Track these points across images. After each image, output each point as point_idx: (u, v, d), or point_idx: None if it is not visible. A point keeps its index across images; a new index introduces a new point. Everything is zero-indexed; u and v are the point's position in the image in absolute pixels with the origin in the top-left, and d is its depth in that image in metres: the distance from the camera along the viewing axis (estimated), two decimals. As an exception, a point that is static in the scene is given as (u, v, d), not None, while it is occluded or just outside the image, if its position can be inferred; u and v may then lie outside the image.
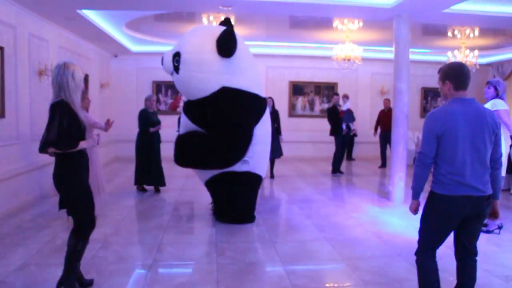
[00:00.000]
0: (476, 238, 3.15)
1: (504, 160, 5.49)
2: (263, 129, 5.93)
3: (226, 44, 5.41)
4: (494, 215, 3.20)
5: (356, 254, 4.87)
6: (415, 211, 3.20)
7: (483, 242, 5.25)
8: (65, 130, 3.36)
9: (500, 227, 5.61)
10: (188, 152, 5.75)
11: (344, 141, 10.73)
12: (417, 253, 3.23)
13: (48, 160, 7.99)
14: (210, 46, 5.47)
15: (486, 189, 2.98)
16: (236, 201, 6.02)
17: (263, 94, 6.07)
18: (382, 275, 4.22)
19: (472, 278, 3.16)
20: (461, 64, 3.11)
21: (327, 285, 4.14)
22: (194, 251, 4.97)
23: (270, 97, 9.06)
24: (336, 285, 4.19)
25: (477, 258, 3.18)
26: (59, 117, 3.36)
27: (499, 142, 3.04)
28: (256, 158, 5.89)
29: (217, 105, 5.56)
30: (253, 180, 6.04)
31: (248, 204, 6.20)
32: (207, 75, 5.50)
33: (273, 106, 9.52)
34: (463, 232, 3.10)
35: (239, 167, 5.75)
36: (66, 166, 3.51)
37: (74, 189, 3.56)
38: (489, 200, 3.04)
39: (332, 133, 10.70)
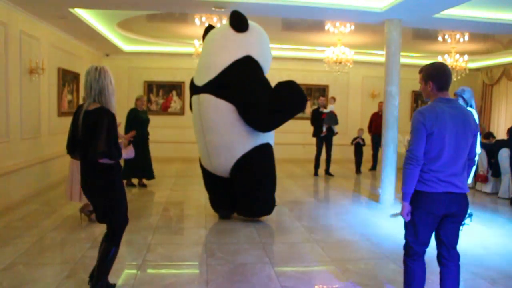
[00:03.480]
0: (457, 237, 3.18)
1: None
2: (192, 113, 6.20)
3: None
4: None
5: (345, 256, 4.90)
6: (408, 215, 3.11)
7: (471, 245, 5.33)
8: (114, 139, 3.29)
9: (470, 215, 5.83)
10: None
11: (327, 143, 10.80)
12: (405, 258, 3.24)
13: (38, 159, 7.97)
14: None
15: (465, 186, 3.07)
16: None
17: (198, 80, 6.02)
18: (371, 277, 4.26)
19: (457, 281, 3.17)
20: (443, 65, 3.14)
21: (316, 286, 4.16)
22: (184, 251, 4.97)
23: None
24: (325, 286, 4.21)
25: (460, 262, 3.21)
26: (107, 126, 3.25)
27: (476, 142, 3.15)
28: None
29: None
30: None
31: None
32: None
33: None
34: (443, 232, 3.13)
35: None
36: (111, 175, 3.45)
37: (119, 196, 3.54)
38: (467, 199, 3.12)
39: (314, 134, 10.82)
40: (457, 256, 3.19)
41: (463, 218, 3.15)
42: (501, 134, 12.64)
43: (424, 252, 3.19)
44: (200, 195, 8.09)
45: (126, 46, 12.40)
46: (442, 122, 2.96)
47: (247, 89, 5.66)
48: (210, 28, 6.43)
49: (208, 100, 5.75)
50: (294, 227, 6.08)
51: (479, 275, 4.34)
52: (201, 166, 6.43)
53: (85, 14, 8.49)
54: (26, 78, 7.65)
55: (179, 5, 7.68)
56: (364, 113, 13.85)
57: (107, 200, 3.49)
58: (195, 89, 5.97)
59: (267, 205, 6.18)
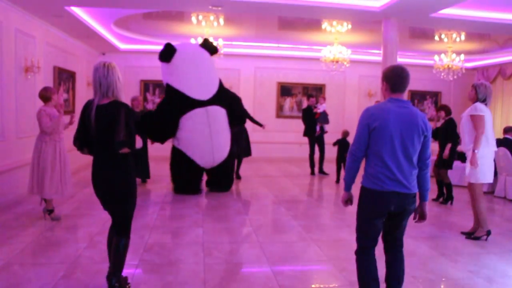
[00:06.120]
0: (402, 232, 3.33)
1: (490, 164, 5.62)
2: (191, 123, 7.59)
3: (160, 52, 7.65)
4: (423, 217, 3.30)
5: (343, 255, 4.89)
6: (345, 203, 3.34)
7: (468, 245, 5.33)
8: (132, 129, 3.37)
9: (488, 234, 5.53)
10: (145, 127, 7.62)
11: (320, 142, 10.77)
12: (356, 252, 3.34)
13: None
14: None
15: (412, 187, 3.13)
16: (175, 170, 8.05)
17: (201, 96, 7.60)
18: (368, 276, 4.24)
19: (400, 268, 3.34)
20: (399, 68, 3.24)
21: (313, 285, 4.15)
22: (181, 251, 4.95)
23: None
24: (322, 285, 4.21)
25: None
26: (125, 117, 3.34)
27: (427, 144, 3.18)
28: (186, 143, 7.73)
29: None
30: (185, 159, 7.76)
31: (184, 177, 7.96)
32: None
33: None
34: (388, 227, 3.28)
35: (174, 142, 7.92)
36: (125, 166, 3.51)
37: (132, 188, 3.60)
38: (415, 199, 3.19)
39: (305, 134, 10.75)
40: (401, 244, 3.36)
41: (409, 215, 3.24)
42: (497, 133, 12.65)
43: (373, 246, 3.27)
44: (196, 194, 8.07)
45: (122, 45, 12.35)
46: (385, 119, 3.07)
47: (235, 100, 8.33)
48: (172, 46, 7.57)
49: (217, 110, 7.71)
50: (291, 226, 6.07)
51: (476, 274, 4.34)
52: (185, 165, 7.82)
53: (81, 13, 8.44)
54: (21, 77, 7.60)
55: (175, 3, 7.66)
56: (361, 112, 13.83)
57: (121, 192, 3.54)
58: (198, 103, 7.51)
59: (232, 181, 8.52)
